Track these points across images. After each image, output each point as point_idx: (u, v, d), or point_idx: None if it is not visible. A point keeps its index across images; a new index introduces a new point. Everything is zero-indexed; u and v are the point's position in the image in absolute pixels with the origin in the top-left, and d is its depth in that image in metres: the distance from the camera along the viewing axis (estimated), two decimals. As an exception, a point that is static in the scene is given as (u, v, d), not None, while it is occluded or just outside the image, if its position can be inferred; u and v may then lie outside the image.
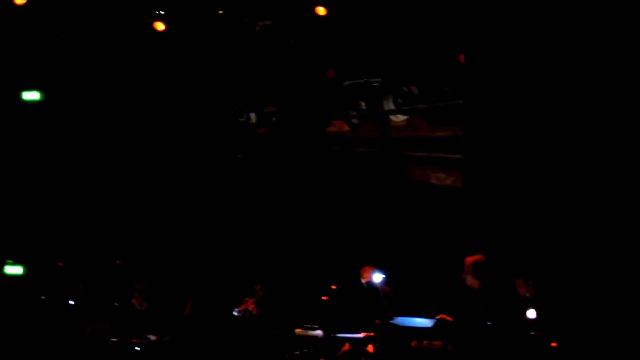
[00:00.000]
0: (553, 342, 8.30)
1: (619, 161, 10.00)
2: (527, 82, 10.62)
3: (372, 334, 9.16)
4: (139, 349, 10.22)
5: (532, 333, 8.26)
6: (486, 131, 10.97)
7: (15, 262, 12.15)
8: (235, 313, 10.99)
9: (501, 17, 10.75)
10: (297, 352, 9.90)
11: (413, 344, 8.76)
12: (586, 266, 9.83)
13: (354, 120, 12.39)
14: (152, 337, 10.33)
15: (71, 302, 11.10)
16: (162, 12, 12.04)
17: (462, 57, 11.30)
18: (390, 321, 8.76)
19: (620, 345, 9.19)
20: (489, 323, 8.20)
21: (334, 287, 9.89)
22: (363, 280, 9.29)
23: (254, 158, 12.96)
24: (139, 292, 10.78)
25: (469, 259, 8.43)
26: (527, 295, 9.00)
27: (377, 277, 9.69)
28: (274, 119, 12.97)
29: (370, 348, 9.24)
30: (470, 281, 8.45)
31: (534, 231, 10.29)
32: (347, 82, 12.41)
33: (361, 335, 9.43)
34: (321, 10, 11.60)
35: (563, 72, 10.36)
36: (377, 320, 8.89)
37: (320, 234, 11.92)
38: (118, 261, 11.22)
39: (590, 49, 10.15)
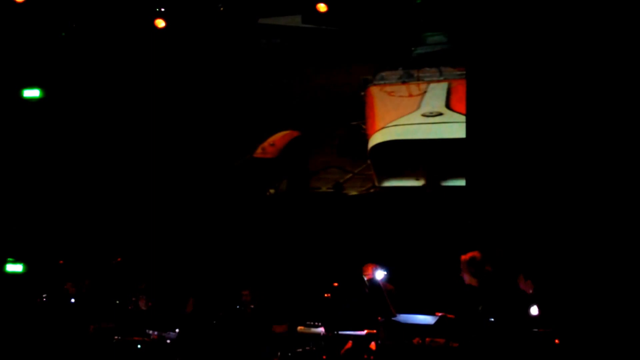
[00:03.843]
0: (556, 338, 8.32)
1: (619, 160, 10.03)
2: (527, 82, 10.64)
3: (374, 331, 9.17)
4: (140, 346, 10.21)
5: (535, 330, 8.26)
6: (487, 132, 10.99)
7: (16, 260, 12.18)
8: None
9: (502, 20, 10.77)
10: (300, 350, 9.90)
11: (415, 341, 8.78)
12: (588, 263, 9.84)
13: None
14: (153, 334, 10.32)
15: (72, 300, 11.10)
16: (162, 10, 12.03)
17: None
18: (393, 318, 8.78)
19: (622, 342, 9.21)
20: (491, 320, 8.19)
21: (335, 284, 9.88)
22: (365, 278, 9.28)
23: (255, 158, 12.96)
24: (143, 292, 10.76)
25: (464, 257, 8.38)
26: (529, 292, 8.99)
27: (380, 275, 9.72)
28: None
29: (372, 345, 9.24)
30: (468, 279, 8.41)
31: (536, 228, 10.30)
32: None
33: (364, 332, 9.43)
34: (322, 7, 11.59)
35: (563, 73, 10.40)
36: (379, 318, 8.90)
37: (321, 232, 11.91)
38: (119, 259, 11.23)
39: (591, 50, 10.18)
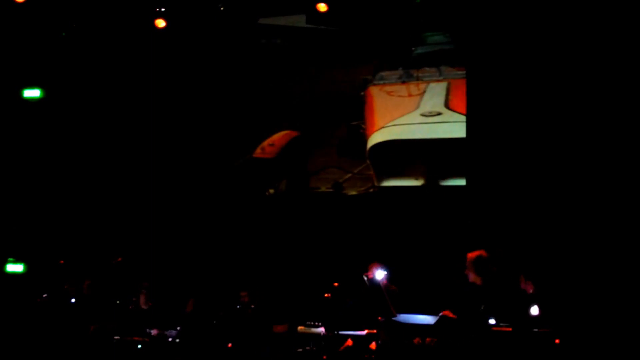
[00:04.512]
0: (556, 338, 8.32)
1: (619, 160, 10.05)
2: (527, 82, 10.65)
3: (374, 331, 9.16)
4: (140, 346, 10.21)
5: (535, 330, 8.27)
6: (487, 132, 11.01)
7: (17, 260, 12.18)
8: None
9: (502, 20, 10.79)
10: (300, 350, 9.91)
11: (416, 341, 8.78)
12: (588, 263, 9.85)
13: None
14: (153, 332, 10.32)
15: (72, 300, 11.10)
16: (162, 10, 12.03)
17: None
18: (393, 318, 8.77)
19: (622, 342, 9.22)
20: (491, 320, 8.20)
21: (336, 284, 9.88)
22: (365, 278, 9.27)
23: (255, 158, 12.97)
24: (145, 290, 10.76)
25: (471, 255, 8.41)
26: (530, 292, 9.00)
27: (380, 274, 9.71)
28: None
29: (372, 345, 9.24)
30: (473, 277, 8.43)
31: (536, 228, 10.31)
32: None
33: (364, 332, 9.44)
34: (322, 7, 11.61)
35: (563, 73, 10.42)
36: (379, 318, 8.90)
37: (321, 232, 11.91)
38: (120, 259, 11.23)
39: (591, 50, 10.20)
